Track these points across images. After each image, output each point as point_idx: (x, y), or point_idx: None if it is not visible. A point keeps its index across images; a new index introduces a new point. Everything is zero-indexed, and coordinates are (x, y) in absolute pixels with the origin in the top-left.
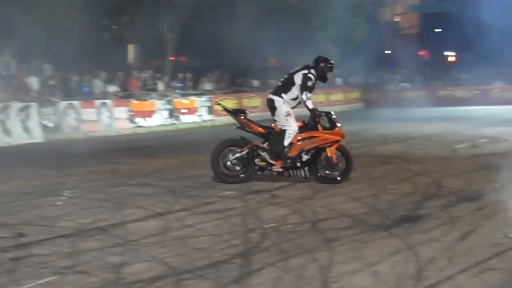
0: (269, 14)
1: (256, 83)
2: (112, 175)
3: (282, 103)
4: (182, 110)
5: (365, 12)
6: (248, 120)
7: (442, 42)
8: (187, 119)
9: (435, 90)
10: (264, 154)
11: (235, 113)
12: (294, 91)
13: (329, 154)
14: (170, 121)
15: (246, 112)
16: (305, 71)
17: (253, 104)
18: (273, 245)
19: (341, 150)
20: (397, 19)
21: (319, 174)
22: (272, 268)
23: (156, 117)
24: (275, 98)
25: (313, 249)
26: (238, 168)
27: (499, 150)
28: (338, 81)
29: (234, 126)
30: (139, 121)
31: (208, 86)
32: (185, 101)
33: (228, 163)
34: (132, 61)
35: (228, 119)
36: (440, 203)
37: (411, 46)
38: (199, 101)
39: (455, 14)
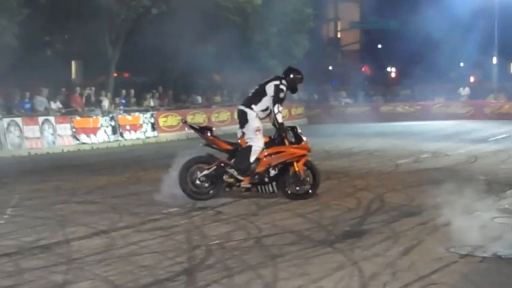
0: (212, 30)
1: (199, 99)
2: (55, 192)
3: (254, 117)
4: (126, 127)
5: (308, 28)
6: (215, 137)
7: (384, 58)
8: (131, 136)
9: (377, 106)
10: (231, 170)
11: (202, 130)
12: (265, 102)
13: (296, 169)
14: (114, 137)
15: (213, 129)
16: (277, 82)
17: (197, 120)
18: (217, 262)
19: (308, 164)
20: (339, 35)
21: (287, 190)
22: (216, 285)
23: (100, 133)
24: (248, 111)
25: (257, 265)
26: (206, 185)
27: (441, 165)
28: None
29: (201, 144)
30: (83, 138)
31: (151, 102)
32: (128, 117)
33: (197, 180)
34: (75, 77)
35: (172, 135)
36: (383, 218)
37: (353, 62)
38: (143, 118)
39: (396, 31)
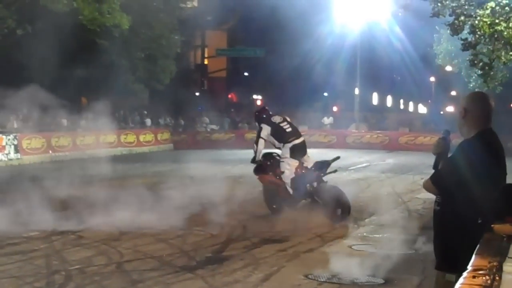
0: (79, 53)
1: (65, 122)
2: None
3: None
4: None
5: (175, 54)
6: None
7: (250, 85)
8: None
9: (243, 133)
10: None
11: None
12: None
13: None
14: None
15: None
16: None
17: (62, 143)
18: (77, 287)
19: None
20: (206, 62)
21: None
22: None
23: None
24: None
25: None
26: None
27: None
28: (148, 121)
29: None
30: None
31: (15, 124)
32: None
33: None
34: None
35: (36, 158)
36: (244, 244)
37: (220, 89)
38: (6, 139)
39: (262, 60)
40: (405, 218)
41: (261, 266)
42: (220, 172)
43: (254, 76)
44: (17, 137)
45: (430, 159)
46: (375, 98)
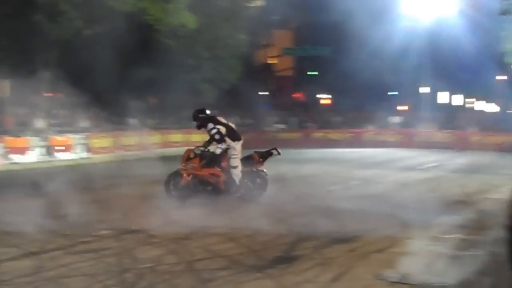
0: (146, 52)
1: (133, 121)
2: None
3: None
4: (58, 147)
5: (241, 54)
6: None
7: (316, 85)
8: (63, 156)
9: (309, 132)
10: None
11: None
12: None
13: None
14: (45, 158)
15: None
16: None
17: (130, 142)
18: (148, 286)
19: None
20: (273, 61)
21: None
22: None
23: (31, 153)
24: None
25: None
26: None
27: (371, 192)
28: None
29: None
30: (14, 157)
31: (84, 123)
32: (61, 138)
33: None
34: (7, 96)
35: (105, 157)
36: (314, 244)
37: (286, 88)
38: (75, 139)
39: (328, 58)
40: (476, 218)
41: (330, 266)
42: (289, 171)
43: (320, 75)
44: (86, 136)
45: (501, 158)
46: (443, 97)
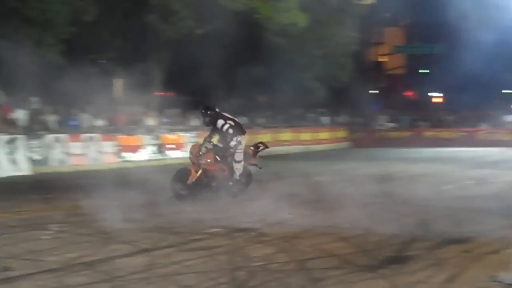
0: (254, 50)
1: (243, 120)
2: (98, 209)
3: None
4: (170, 146)
5: (352, 52)
6: None
7: (428, 83)
8: (174, 155)
9: (421, 131)
10: None
11: None
12: None
13: None
14: (157, 156)
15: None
16: None
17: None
18: (260, 284)
19: None
20: (383, 59)
21: None
22: None
23: (143, 151)
24: None
25: None
26: None
27: (486, 192)
28: (325, 120)
29: None
30: (126, 155)
31: (195, 121)
32: (173, 136)
33: None
34: (120, 95)
35: None
36: (427, 244)
37: (397, 87)
38: (187, 137)
39: (440, 56)
40: None
41: (444, 267)
42: (400, 170)
43: (432, 73)
44: (197, 134)
45: None
46: None
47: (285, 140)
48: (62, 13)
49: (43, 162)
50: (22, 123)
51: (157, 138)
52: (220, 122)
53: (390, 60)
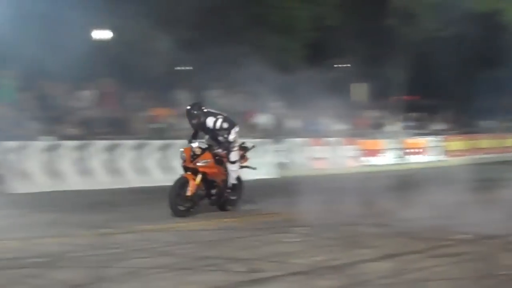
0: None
1: (488, 123)
2: (342, 213)
3: None
4: (411, 150)
5: None
6: None
7: None
8: (416, 159)
9: None
10: None
11: None
12: None
13: None
14: (398, 160)
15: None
16: None
17: (483, 145)
18: None
19: None
20: None
21: None
22: None
23: (383, 156)
24: None
25: None
26: None
27: None
28: None
29: None
30: (367, 159)
31: (439, 126)
32: (414, 140)
33: None
34: (362, 100)
35: (460, 160)
36: None
37: None
38: (430, 141)
39: None
40: None
41: None
42: None
43: None
44: (442, 139)
45: None
46: None
47: None
48: (305, 19)
49: (288, 165)
50: (265, 127)
51: (399, 142)
52: (210, 120)
53: None
